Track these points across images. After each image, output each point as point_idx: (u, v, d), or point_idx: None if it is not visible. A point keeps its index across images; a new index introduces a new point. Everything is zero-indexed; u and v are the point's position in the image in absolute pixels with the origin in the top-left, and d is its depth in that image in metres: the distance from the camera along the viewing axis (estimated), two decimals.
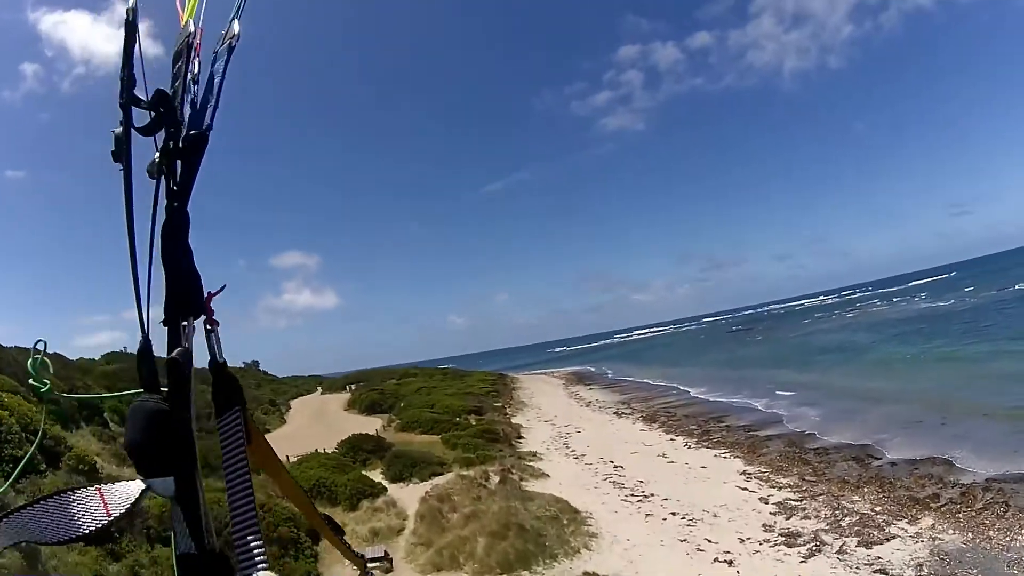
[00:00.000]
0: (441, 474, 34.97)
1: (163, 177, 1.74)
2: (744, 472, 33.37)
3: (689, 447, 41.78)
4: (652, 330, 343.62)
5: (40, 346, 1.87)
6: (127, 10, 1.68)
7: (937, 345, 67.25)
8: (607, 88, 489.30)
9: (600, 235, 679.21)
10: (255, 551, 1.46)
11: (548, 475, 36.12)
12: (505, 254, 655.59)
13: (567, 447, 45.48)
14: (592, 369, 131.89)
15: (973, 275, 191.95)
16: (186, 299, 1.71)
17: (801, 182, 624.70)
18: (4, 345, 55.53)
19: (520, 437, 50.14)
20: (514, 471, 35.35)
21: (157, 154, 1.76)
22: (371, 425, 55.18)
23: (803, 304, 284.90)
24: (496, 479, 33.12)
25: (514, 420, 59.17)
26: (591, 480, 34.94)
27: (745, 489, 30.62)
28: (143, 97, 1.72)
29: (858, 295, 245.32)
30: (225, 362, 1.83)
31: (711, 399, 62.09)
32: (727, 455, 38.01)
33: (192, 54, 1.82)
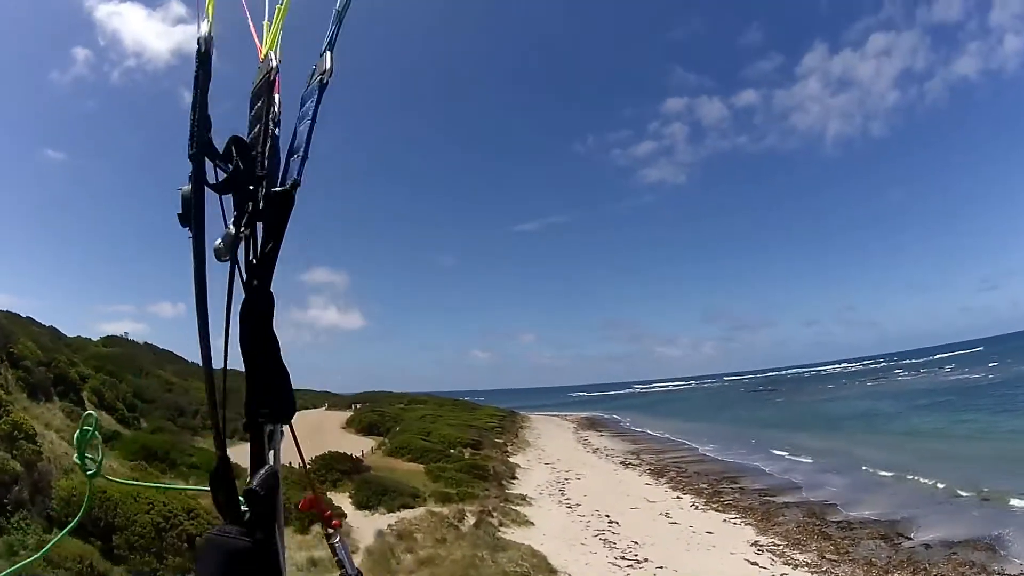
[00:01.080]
0: (412, 507, 30.91)
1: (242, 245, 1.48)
2: (755, 543, 28.79)
3: (696, 507, 37.18)
4: (675, 384, 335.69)
5: (91, 422, 1.83)
6: (200, 39, 1.42)
7: (967, 419, 62.49)
8: (651, 139, 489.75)
9: (630, 285, 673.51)
10: None
11: (533, 523, 31.85)
12: (533, 295, 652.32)
13: (562, 494, 41.11)
14: (608, 416, 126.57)
15: (1000, 351, 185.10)
16: (271, 400, 1.51)
17: (834, 248, 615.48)
18: (20, 315, 54.31)
19: (514, 478, 45.90)
20: (495, 514, 31.16)
21: (232, 225, 1.49)
22: (363, 446, 51.35)
23: (828, 370, 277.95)
24: (472, 521, 28.93)
25: (512, 459, 54.91)
26: (580, 534, 30.59)
27: (755, 564, 26.09)
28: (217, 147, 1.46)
29: (884, 364, 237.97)
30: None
31: (726, 458, 57.02)
32: (738, 521, 33.41)
33: (274, 92, 1.53)
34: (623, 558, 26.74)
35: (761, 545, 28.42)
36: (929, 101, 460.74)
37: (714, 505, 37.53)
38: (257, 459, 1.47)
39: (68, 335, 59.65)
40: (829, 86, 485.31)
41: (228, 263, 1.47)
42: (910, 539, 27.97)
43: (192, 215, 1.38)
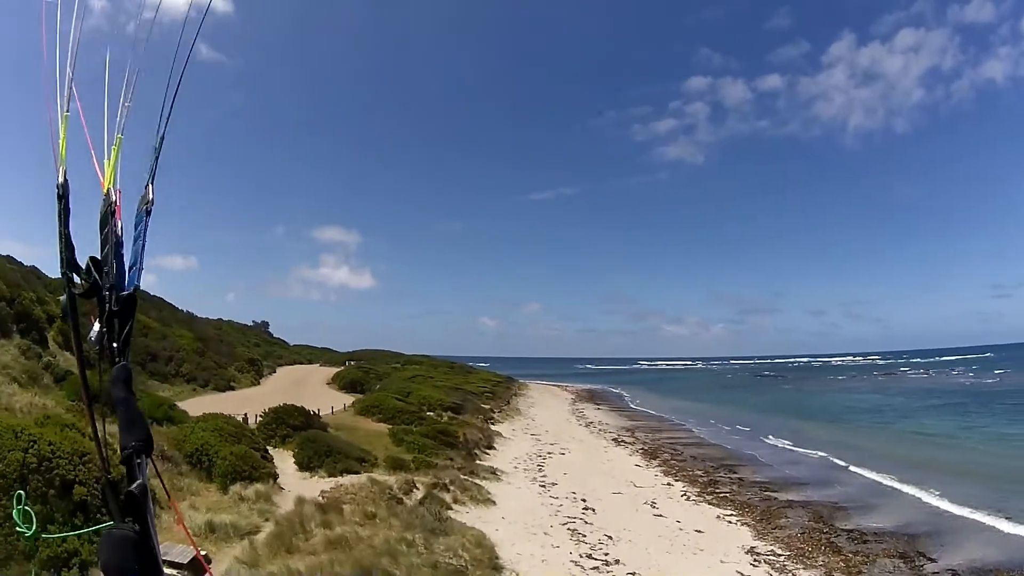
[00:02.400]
0: (357, 472, 26.99)
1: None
2: (751, 550, 24.41)
3: (688, 498, 32.98)
4: (681, 363, 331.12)
5: (20, 498, 2.34)
6: (58, 186, 1.95)
7: (983, 423, 58.41)
8: (671, 116, 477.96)
9: (640, 261, 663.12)
10: None
11: (495, 503, 27.85)
12: (542, 264, 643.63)
13: (539, 470, 37.13)
14: (610, 390, 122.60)
15: (1010, 359, 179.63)
16: (136, 439, 1.97)
17: (846, 241, 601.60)
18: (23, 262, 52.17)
19: (490, 448, 42.00)
20: (452, 488, 27.17)
21: (98, 324, 2.05)
22: (341, 402, 47.70)
23: (835, 362, 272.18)
24: (420, 494, 24.96)
25: (495, 427, 50.99)
26: (546, 521, 26.52)
27: None
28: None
29: (891, 362, 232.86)
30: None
31: (727, 444, 52.79)
32: (733, 519, 29.07)
33: (115, 219, 2.02)
34: (590, 556, 22.59)
35: (758, 553, 24.07)
36: (954, 102, 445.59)
37: (708, 497, 33.29)
38: (130, 477, 1.93)
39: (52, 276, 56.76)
40: (854, 77, 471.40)
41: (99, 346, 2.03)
42: (933, 560, 23.51)
43: (70, 316, 2.01)
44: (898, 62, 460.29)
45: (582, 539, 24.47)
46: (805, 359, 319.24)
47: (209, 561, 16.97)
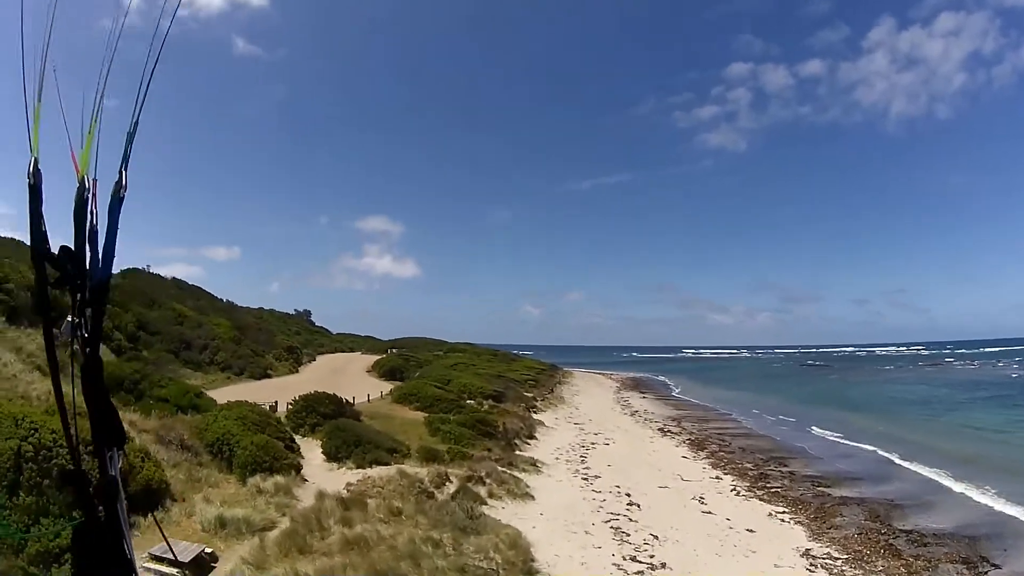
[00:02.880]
0: (387, 463, 25.25)
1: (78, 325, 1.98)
2: (807, 553, 22.13)
3: (738, 493, 30.63)
4: (725, 352, 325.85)
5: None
6: (29, 173, 1.88)
7: None
8: (713, 103, 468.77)
9: (684, 249, 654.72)
10: None
11: (533, 497, 25.94)
12: (586, 253, 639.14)
13: (582, 462, 35.10)
14: (655, 378, 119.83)
15: None
16: (108, 432, 1.97)
17: (890, 229, 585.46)
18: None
19: (531, 437, 40.06)
20: (488, 480, 25.26)
21: (70, 316, 1.95)
22: (379, 390, 46.22)
23: (879, 351, 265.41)
24: (451, 489, 23.13)
25: (537, 415, 49.03)
26: (588, 518, 24.51)
27: None
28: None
29: (936, 352, 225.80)
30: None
31: (776, 436, 50.05)
32: (785, 516, 26.72)
33: (90, 207, 1.97)
34: (634, 558, 20.52)
35: (814, 557, 21.77)
36: (997, 87, 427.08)
37: (759, 492, 30.89)
38: (102, 471, 1.93)
39: None
40: (896, 62, 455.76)
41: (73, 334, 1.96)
42: (997, 567, 21.01)
43: (41, 305, 2.00)
44: (938, 46, 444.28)
45: (626, 539, 22.45)
46: (849, 348, 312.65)
47: (215, 559, 15.41)
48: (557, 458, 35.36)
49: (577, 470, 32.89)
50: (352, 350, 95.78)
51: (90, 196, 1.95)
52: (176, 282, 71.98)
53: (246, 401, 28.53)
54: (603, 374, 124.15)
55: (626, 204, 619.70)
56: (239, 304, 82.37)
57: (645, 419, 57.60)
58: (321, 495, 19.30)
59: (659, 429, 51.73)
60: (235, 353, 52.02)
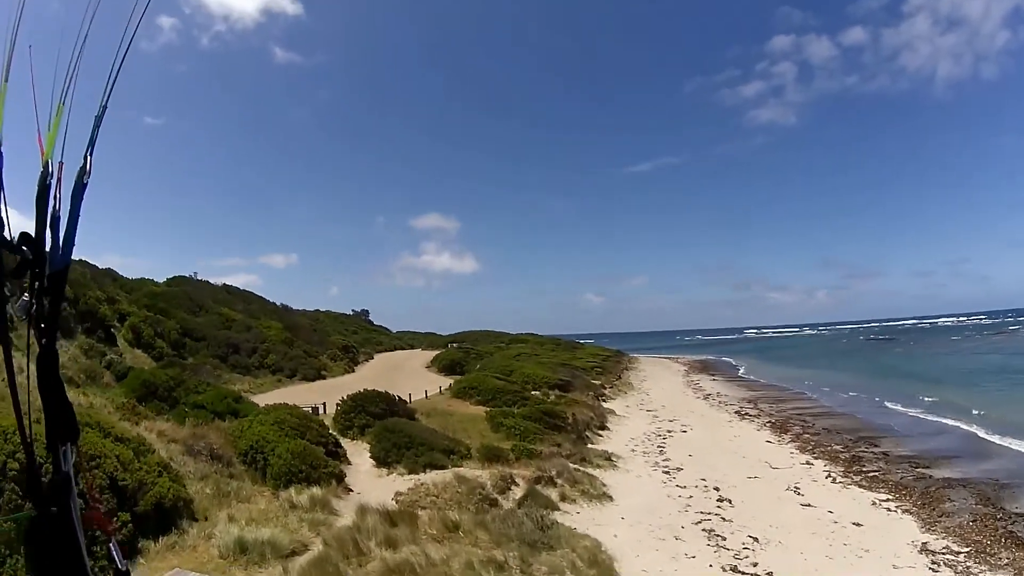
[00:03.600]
0: (443, 467, 21.90)
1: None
2: (923, 547, 18.52)
3: (833, 480, 26.76)
4: (787, 330, 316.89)
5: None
6: None
7: None
8: (759, 78, 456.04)
9: (741, 228, 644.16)
10: None
11: (611, 498, 22.39)
12: (646, 237, 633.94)
13: (660, 453, 31.40)
14: (722, 359, 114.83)
15: None
16: (62, 426, 1.84)
17: (946, 197, 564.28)
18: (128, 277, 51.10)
19: (603, 428, 36.40)
20: (559, 481, 21.77)
21: (26, 295, 1.87)
22: (438, 385, 43.12)
23: (941, 323, 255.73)
24: (518, 494, 19.70)
25: (607, 404, 45.31)
26: (675, 520, 20.89)
27: None
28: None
29: (998, 321, 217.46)
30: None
31: (858, 413, 46.09)
32: (891, 505, 23.02)
33: (53, 192, 1.88)
34: (735, 569, 16.92)
35: (933, 552, 18.14)
36: None
37: (855, 477, 27.07)
38: (56, 466, 1.80)
39: (130, 278, 57.47)
40: (937, 24, 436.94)
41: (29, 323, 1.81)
42: None
43: None
44: (979, 5, 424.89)
45: (722, 543, 18.86)
46: (911, 321, 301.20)
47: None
48: (633, 450, 31.74)
49: (656, 462, 29.26)
50: (412, 347, 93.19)
51: (54, 181, 1.85)
52: (226, 287, 70.21)
53: (285, 403, 25.54)
54: (669, 358, 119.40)
55: (683, 184, 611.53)
56: (294, 307, 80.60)
57: (720, 402, 53.58)
58: (363, 510, 15.99)
59: (736, 412, 47.92)
60: (286, 355, 49.55)
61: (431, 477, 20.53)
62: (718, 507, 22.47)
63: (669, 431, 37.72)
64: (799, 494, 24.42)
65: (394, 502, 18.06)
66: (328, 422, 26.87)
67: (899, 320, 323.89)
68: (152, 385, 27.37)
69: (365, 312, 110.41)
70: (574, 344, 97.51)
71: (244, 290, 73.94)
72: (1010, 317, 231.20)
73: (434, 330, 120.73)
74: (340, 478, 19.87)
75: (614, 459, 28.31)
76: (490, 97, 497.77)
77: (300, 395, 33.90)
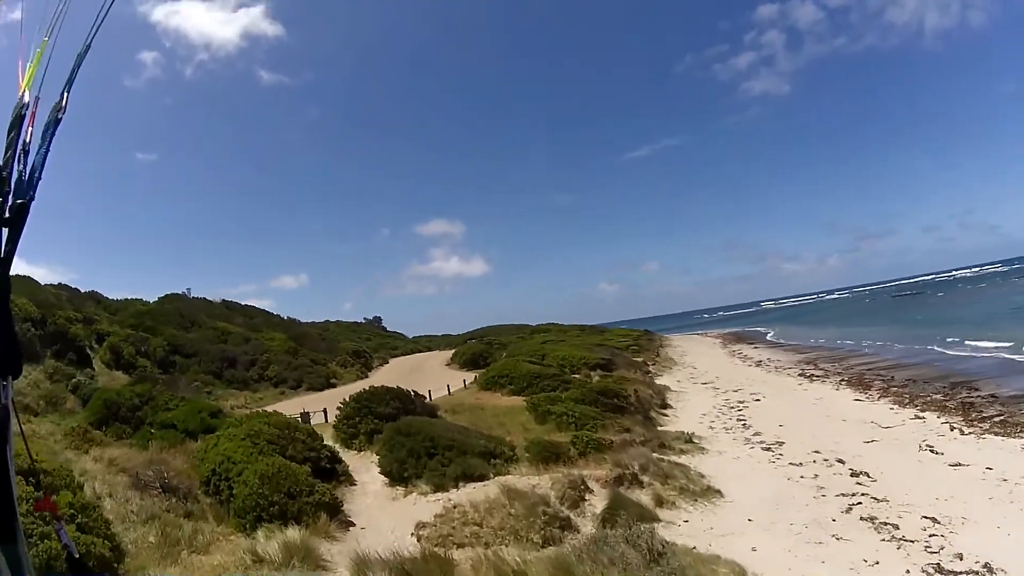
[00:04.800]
0: (483, 477, 15.28)
1: None
2: None
3: (960, 431, 21.70)
4: (805, 299, 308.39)
5: None
6: None
7: None
8: (749, 49, 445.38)
9: (748, 202, 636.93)
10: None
11: (720, 492, 15.79)
12: (653, 222, 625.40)
13: (745, 427, 24.96)
14: (751, 330, 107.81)
15: None
16: (6, 360, 1.83)
17: (946, 149, 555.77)
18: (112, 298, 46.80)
19: (665, 406, 29.82)
20: (647, 478, 15.16)
21: None
22: (461, 380, 36.56)
23: (961, 274, 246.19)
24: (597, 505, 13.15)
25: (659, 380, 38.60)
26: (817, 512, 14.57)
27: None
28: None
29: (1016, 267, 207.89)
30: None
31: (934, 361, 40.59)
32: None
33: (25, 125, 1.86)
34: (940, 569, 11.38)
35: None
36: None
37: (982, 425, 22.14)
38: None
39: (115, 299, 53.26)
40: None
41: None
42: None
43: None
44: None
45: (896, 534, 13.12)
46: (928, 276, 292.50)
47: None
48: (711, 427, 25.34)
49: (747, 438, 23.02)
50: (429, 350, 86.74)
51: (28, 113, 1.81)
52: (225, 303, 63.85)
53: (264, 411, 19.11)
54: (698, 334, 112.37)
55: (685, 165, 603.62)
56: (303, 321, 74.47)
57: (775, 367, 47.42)
58: (362, 562, 9.42)
59: (799, 375, 41.91)
60: (290, 365, 43.22)
61: (467, 494, 13.99)
62: (858, 484, 16.60)
63: (741, 402, 31.47)
64: (936, 453, 19.26)
65: (415, 539, 11.57)
66: (329, 432, 20.42)
67: (914, 277, 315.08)
68: (115, 405, 21.64)
69: (378, 319, 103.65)
70: (600, 329, 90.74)
71: (246, 305, 67.67)
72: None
73: (449, 332, 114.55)
74: (334, 508, 13.29)
75: (696, 440, 21.72)
76: (482, 98, 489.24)
77: (305, 406, 27.75)
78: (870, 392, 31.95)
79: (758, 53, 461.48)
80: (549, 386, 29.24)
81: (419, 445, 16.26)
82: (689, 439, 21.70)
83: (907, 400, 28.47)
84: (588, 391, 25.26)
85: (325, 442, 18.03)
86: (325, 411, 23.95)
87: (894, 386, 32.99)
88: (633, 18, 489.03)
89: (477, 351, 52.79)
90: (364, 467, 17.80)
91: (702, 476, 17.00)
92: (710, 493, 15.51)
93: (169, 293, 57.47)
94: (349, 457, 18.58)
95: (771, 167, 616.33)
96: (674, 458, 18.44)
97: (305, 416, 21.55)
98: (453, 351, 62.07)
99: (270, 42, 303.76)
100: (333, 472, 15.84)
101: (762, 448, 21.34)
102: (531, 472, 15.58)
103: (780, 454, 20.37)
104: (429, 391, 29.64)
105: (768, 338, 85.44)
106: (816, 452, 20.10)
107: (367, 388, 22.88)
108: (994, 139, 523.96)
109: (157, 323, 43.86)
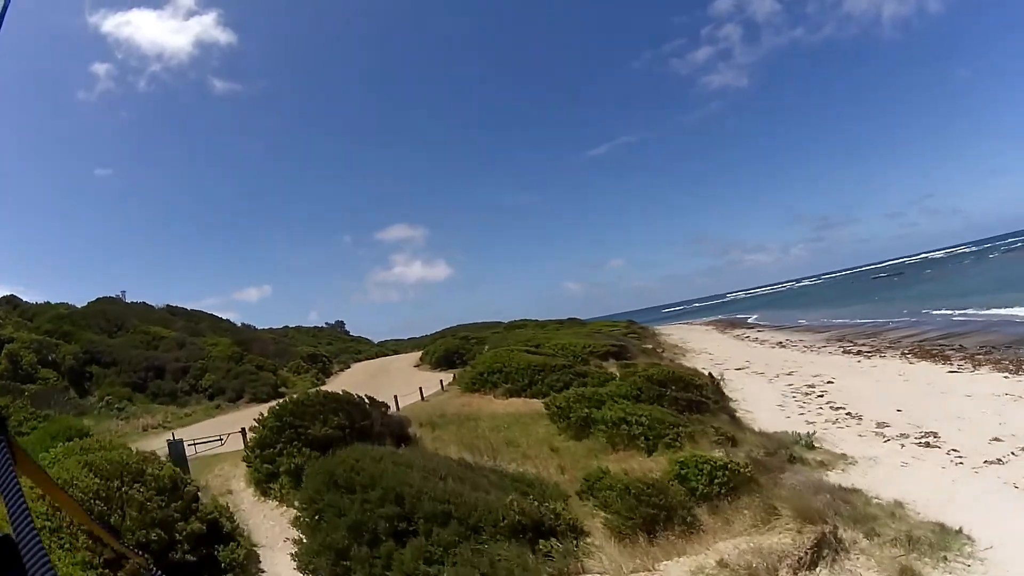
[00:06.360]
0: None
1: None
2: None
3: None
4: (775, 287, 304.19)
5: None
6: None
7: None
8: (706, 44, 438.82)
9: (710, 196, 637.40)
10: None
11: (962, 533, 7.84)
12: (616, 219, 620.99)
13: (850, 416, 18.10)
14: (737, 317, 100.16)
15: None
16: None
17: (907, 136, 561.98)
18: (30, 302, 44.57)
19: (726, 399, 21.78)
20: (846, 535, 6.81)
21: None
22: (436, 382, 28.01)
23: (930, 256, 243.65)
24: None
25: (689, 366, 30.60)
26: None
27: None
28: None
29: (985, 247, 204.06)
30: None
31: (993, 327, 36.27)
32: None
33: None
34: None
35: None
36: None
37: None
38: None
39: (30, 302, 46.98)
40: None
41: None
42: None
43: None
44: None
45: None
46: (897, 260, 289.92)
47: None
48: (808, 421, 17.79)
49: (876, 432, 16.14)
50: (396, 352, 78.09)
51: None
52: (169, 308, 54.75)
53: (99, 440, 10.68)
54: (683, 324, 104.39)
55: (646, 161, 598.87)
56: (259, 327, 65.58)
57: (808, 348, 40.12)
58: None
59: (844, 352, 35.10)
60: (230, 372, 34.78)
61: None
62: None
63: (810, 387, 24.51)
64: None
65: None
66: (242, 471, 11.96)
67: (884, 262, 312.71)
68: None
69: (340, 323, 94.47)
70: (580, 322, 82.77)
71: (193, 310, 58.41)
72: (999, 243, 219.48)
73: (416, 336, 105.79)
74: None
75: (817, 443, 13.91)
76: (438, 100, 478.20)
77: (240, 422, 19.17)
78: (956, 363, 26.43)
79: (715, 47, 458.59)
80: (560, 381, 20.87)
81: (374, 514, 7.68)
82: (809, 443, 13.62)
83: (1013, 368, 23.37)
84: (643, 381, 16.66)
85: (229, 487, 9.73)
86: (244, 431, 15.38)
87: (977, 354, 27.85)
88: (589, 16, 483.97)
89: (451, 347, 44.38)
90: (283, 531, 9.39)
91: (901, 506, 9.12)
92: (949, 538, 7.60)
93: (100, 297, 48.13)
94: (264, 512, 10.29)
95: (732, 160, 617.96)
96: (821, 474, 10.35)
97: (178, 444, 12.89)
98: (423, 351, 53.34)
99: (222, 49, 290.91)
100: (207, 563, 7.35)
101: (917, 445, 14.19)
102: (631, 561, 7.16)
103: (955, 450, 13.18)
104: (396, 397, 21.49)
105: (758, 323, 78.24)
106: (997, 440, 13.61)
107: (297, 396, 14.30)
108: (947, 123, 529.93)
109: (77, 328, 36.91)
